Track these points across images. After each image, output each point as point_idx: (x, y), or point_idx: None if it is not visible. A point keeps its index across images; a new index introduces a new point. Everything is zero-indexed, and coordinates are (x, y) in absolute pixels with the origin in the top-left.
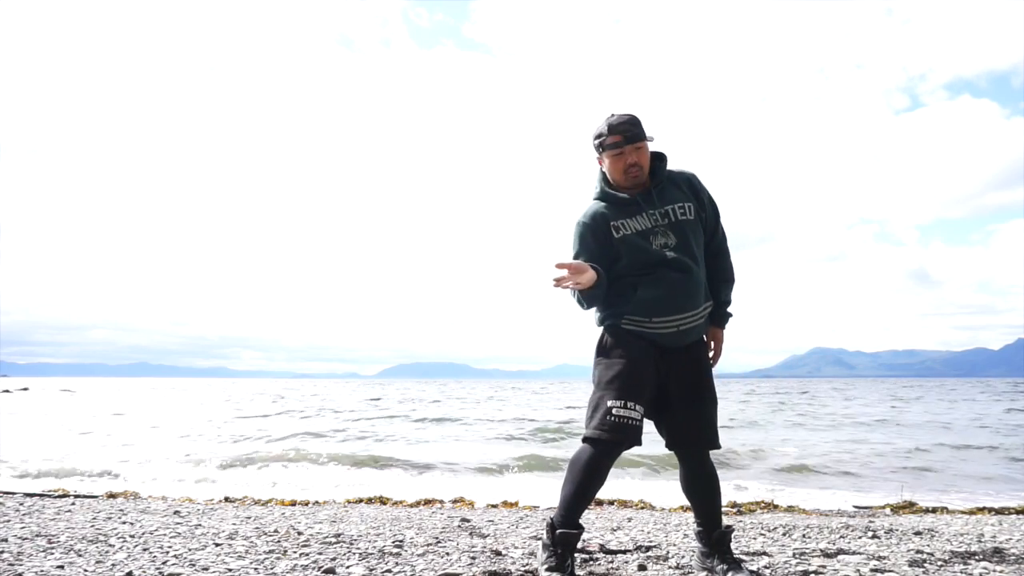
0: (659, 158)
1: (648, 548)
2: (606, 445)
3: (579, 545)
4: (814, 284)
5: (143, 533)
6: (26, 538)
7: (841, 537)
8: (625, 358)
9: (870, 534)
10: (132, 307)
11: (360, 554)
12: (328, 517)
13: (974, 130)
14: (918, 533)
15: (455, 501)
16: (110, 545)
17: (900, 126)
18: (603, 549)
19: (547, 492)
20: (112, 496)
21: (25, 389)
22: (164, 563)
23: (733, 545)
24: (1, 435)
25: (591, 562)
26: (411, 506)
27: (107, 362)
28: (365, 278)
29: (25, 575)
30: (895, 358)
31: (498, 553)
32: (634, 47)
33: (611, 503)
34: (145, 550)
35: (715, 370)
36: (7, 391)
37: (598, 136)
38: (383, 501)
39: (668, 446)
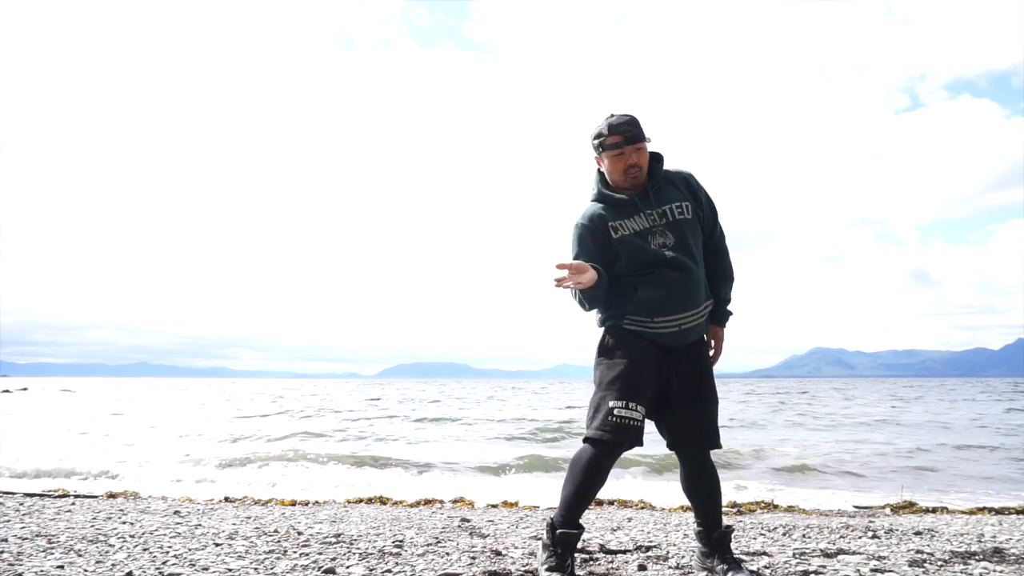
0: (656, 158)
1: (648, 548)
2: (607, 445)
3: (579, 545)
4: (814, 284)
5: (143, 533)
6: (26, 538)
7: (841, 537)
8: (627, 359)
9: (870, 534)
10: (132, 307)
11: (360, 554)
12: (328, 517)
13: (974, 130)
14: (918, 533)
15: (455, 501)
16: (110, 545)
17: (900, 126)
18: (603, 549)
19: (547, 492)
20: (112, 496)
21: (25, 389)
22: (164, 563)
23: (733, 545)
24: (1, 435)
25: (591, 562)
26: (411, 506)
27: (107, 362)
28: (365, 278)
29: (25, 575)
30: (895, 358)
31: (498, 553)
32: (634, 47)
33: (611, 503)
34: (145, 550)
35: (715, 370)
36: (7, 391)
37: (598, 136)
38: (383, 501)
39: (669, 446)
